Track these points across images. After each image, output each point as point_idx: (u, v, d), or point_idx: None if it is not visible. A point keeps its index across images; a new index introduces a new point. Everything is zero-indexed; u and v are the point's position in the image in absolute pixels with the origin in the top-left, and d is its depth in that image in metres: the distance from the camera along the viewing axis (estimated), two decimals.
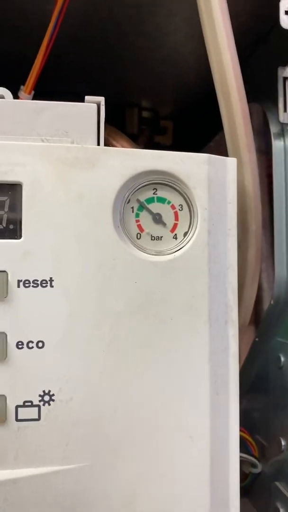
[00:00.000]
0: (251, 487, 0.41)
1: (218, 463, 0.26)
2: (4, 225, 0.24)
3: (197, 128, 0.56)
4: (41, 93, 0.31)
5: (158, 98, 0.55)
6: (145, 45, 0.41)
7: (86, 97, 0.26)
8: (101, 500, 0.24)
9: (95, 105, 0.26)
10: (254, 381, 0.41)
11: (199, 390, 0.25)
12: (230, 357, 0.26)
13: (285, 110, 0.35)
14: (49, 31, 0.28)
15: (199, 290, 0.26)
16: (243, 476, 0.41)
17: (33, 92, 0.31)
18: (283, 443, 0.36)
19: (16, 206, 0.24)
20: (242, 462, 0.40)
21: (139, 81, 0.49)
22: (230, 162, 0.27)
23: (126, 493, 0.24)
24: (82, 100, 0.26)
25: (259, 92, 0.39)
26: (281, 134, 0.36)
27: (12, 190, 0.24)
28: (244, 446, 0.39)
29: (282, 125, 0.36)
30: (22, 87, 0.31)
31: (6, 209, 0.24)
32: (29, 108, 0.25)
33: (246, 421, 0.41)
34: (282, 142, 0.36)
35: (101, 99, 0.26)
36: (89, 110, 0.25)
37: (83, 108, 0.26)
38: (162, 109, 0.57)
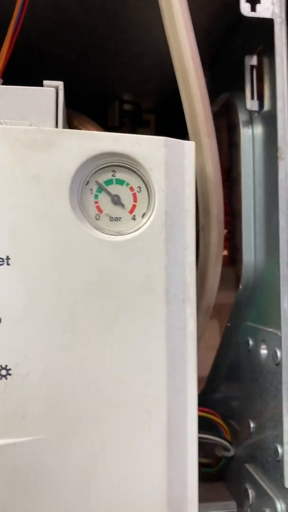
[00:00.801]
0: (225, 470, 0.42)
1: (176, 438, 0.26)
2: None
3: (180, 121, 0.57)
4: None
5: (139, 91, 0.55)
6: (120, 38, 0.41)
7: (45, 82, 0.26)
8: (58, 473, 0.25)
9: (53, 89, 0.26)
10: (230, 367, 0.42)
11: (156, 366, 0.26)
12: (188, 335, 0.27)
13: (252, 98, 0.36)
14: (13, 22, 0.29)
15: (156, 270, 0.26)
16: (217, 459, 0.41)
17: (1, 80, 0.31)
18: (252, 425, 0.36)
19: None
20: (215, 445, 0.41)
21: (119, 75, 0.50)
22: (188, 145, 0.28)
23: (83, 468, 0.25)
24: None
25: (230, 81, 0.40)
26: (249, 122, 0.37)
27: None
28: (216, 430, 0.40)
29: (250, 112, 0.36)
30: None
31: None
32: None
33: (223, 407, 0.42)
34: (250, 130, 0.37)
35: (60, 83, 0.26)
36: (47, 94, 0.26)
37: (42, 92, 0.26)
38: (144, 102, 0.58)
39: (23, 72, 0.33)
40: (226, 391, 0.44)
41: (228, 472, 0.41)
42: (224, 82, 0.42)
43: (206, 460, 0.43)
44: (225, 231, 0.48)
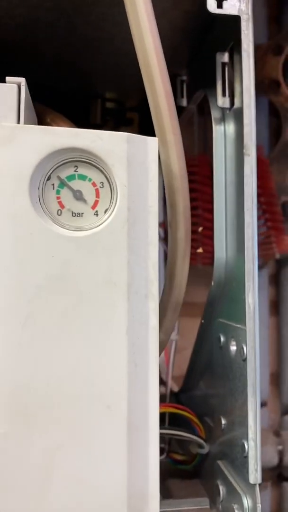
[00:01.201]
0: (200, 467, 0.42)
1: (137, 434, 0.26)
2: None
3: None
4: None
5: (123, 89, 0.55)
6: (95, 36, 0.41)
7: (7, 78, 0.26)
8: (17, 468, 0.25)
9: (15, 86, 0.26)
10: (206, 364, 0.42)
11: (116, 361, 0.26)
12: (150, 330, 0.27)
13: (223, 95, 0.36)
14: None
15: (118, 265, 0.26)
16: (192, 457, 0.42)
17: None
18: (223, 422, 0.36)
19: None
20: (190, 443, 0.41)
21: (100, 73, 0.50)
22: (151, 141, 0.28)
23: (43, 463, 0.25)
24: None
25: (205, 79, 0.40)
26: (221, 119, 0.37)
27: None
28: (191, 427, 0.40)
29: (223, 110, 0.37)
30: None
31: None
32: None
33: (201, 404, 0.42)
34: (222, 127, 0.37)
35: (22, 80, 0.26)
36: (9, 90, 0.26)
37: (4, 88, 0.26)
38: (127, 100, 0.58)
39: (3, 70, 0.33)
40: (203, 388, 0.44)
41: (202, 469, 0.41)
42: (200, 80, 0.42)
43: (182, 457, 0.43)
44: (201, 228, 0.49)
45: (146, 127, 0.60)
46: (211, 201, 0.37)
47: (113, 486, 0.26)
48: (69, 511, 0.25)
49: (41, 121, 0.35)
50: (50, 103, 0.40)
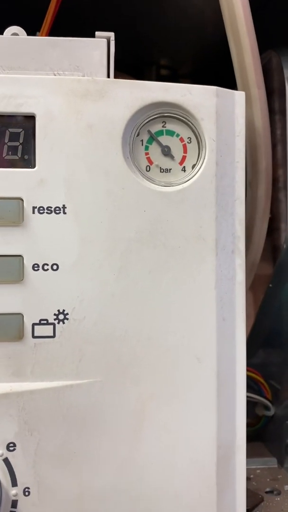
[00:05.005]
0: (265, 430, 0.42)
1: (225, 385, 0.27)
2: (19, 155, 0.25)
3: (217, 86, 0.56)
4: None
5: (176, 55, 0.54)
6: (155, 2, 0.41)
7: (97, 33, 0.26)
8: (111, 415, 0.25)
9: (105, 40, 0.26)
10: (270, 329, 0.42)
11: (205, 315, 0.26)
12: (237, 285, 0.27)
13: None
14: None
15: (206, 220, 0.26)
16: (257, 419, 0.42)
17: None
18: None
19: (30, 137, 0.25)
20: (256, 404, 0.41)
21: (156, 38, 0.49)
22: (239, 96, 0.27)
23: (135, 411, 0.26)
24: None
25: (276, 38, 0.39)
26: None
27: (26, 121, 0.25)
28: (258, 389, 0.40)
29: None
30: (37, 33, 0.32)
31: (21, 140, 0.25)
32: (42, 44, 0.26)
33: (260, 370, 0.42)
34: None
35: (111, 34, 0.26)
36: (99, 45, 0.26)
37: (94, 43, 0.26)
38: (181, 67, 0.57)
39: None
40: (264, 356, 0.44)
41: (267, 431, 0.42)
42: (267, 39, 0.41)
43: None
44: None
45: None
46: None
47: (203, 436, 0.26)
48: (160, 460, 0.26)
49: None
50: None
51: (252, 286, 0.41)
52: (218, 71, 0.52)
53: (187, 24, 0.45)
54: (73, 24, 0.43)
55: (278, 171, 0.36)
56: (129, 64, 0.55)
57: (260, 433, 0.43)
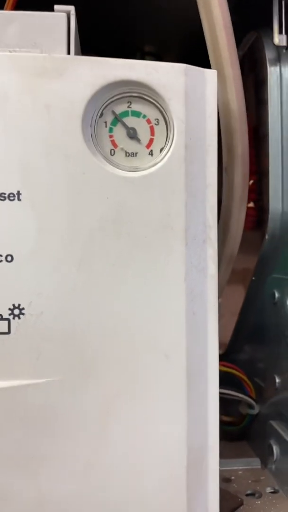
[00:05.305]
0: (248, 429, 0.40)
1: (196, 384, 0.25)
2: None
3: None
4: None
5: (162, 44, 0.53)
6: None
7: (56, 6, 0.25)
8: (73, 416, 0.24)
9: (64, 14, 0.25)
10: (254, 326, 0.40)
11: (174, 309, 0.25)
12: (208, 278, 0.25)
13: (280, 32, 0.33)
14: None
15: (175, 208, 0.25)
16: (241, 418, 0.40)
17: None
18: (277, 380, 0.35)
19: None
20: (239, 403, 0.40)
21: (141, 24, 0.47)
22: (210, 74, 0.26)
23: (100, 411, 0.24)
24: None
25: (256, 19, 0.37)
26: (277, 60, 0.34)
27: None
28: (241, 387, 0.39)
29: (278, 48, 0.34)
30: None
31: None
32: None
33: (246, 368, 0.40)
34: (277, 68, 0.34)
35: (71, 8, 0.25)
36: (58, 19, 0.24)
37: (52, 17, 0.25)
38: (166, 54, 0.55)
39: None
40: (250, 351, 0.42)
41: (251, 430, 0.40)
42: (251, 21, 0.39)
43: (229, 418, 0.41)
44: (251, 182, 0.46)
45: None
46: (253, 162, 0.35)
47: (172, 438, 0.25)
48: (126, 463, 0.24)
49: None
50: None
51: (243, 281, 0.39)
52: (205, 58, 0.51)
53: (172, 9, 0.44)
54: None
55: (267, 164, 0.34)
56: (113, 50, 0.53)
57: (244, 432, 0.41)
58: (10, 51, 0.24)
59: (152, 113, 0.25)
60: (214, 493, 0.26)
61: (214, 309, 0.26)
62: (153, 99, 0.25)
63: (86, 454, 0.24)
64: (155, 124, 0.25)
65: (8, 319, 0.23)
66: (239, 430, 0.41)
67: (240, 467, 0.37)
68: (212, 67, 0.28)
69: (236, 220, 0.29)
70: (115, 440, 0.24)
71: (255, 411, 0.38)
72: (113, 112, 0.25)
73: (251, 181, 0.46)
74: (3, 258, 0.23)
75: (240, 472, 0.36)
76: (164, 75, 0.24)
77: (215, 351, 0.26)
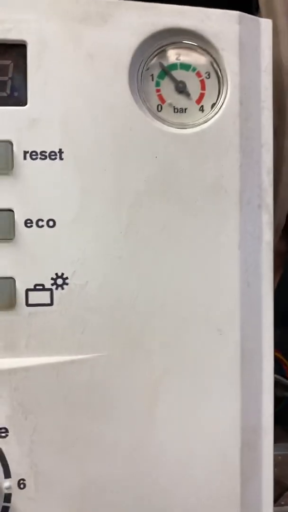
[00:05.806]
0: (284, 413, 0.39)
1: (250, 360, 0.23)
2: (9, 92, 0.21)
3: None
4: None
5: None
6: None
7: None
8: (119, 395, 0.22)
9: None
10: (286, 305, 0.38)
11: (227, 280, 0.23)
12: (264, 245, 0.23)
13: None
14: None
15: (229, 169, 0.23)
16: (276, 401, 0.39)
17: None
18: None
19: (20, 70, 0.21)
20: (276, 384, 0.38)
21: None
22: (265, 23, 0.23)
23: (148, 388, 0.22)
24: None
25: None
26: None
27: (16, 51, 0.21)
28: (278, 368, 0.37)
29: None
30: None
31: (10, 74, 0.21)
32: None
33: (283, 347, 0.38)
34: None
35: None
36: None
37: None
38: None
39: None
40: (281, 335, 0.40)
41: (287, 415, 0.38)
42: None
43: None
44: None
45: None
46: None
47: (225, 418, 0.23)
48: (176, 446, 0.23)
49: None
50: None
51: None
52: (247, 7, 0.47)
53: None
54: None
55: None
56: None
57: (280, 416, 0.39)
58: None
59: (203, 66, 0.23)
60: (268, 477, 0.24)
61: (269, 280, 0.24)
62: (204, 50, 0.23)
63: (133, 437, 0.22)
64: (206, 78, 0.23)
65: (51, 290, 0.21)
66: (275, 414, 0.39)
67: (280, 453, 0.35)
68: (263, 16, 0.25)
69: (286, 185, 0.27)
70: (164, 419, 0.22)
71: None
72: (161, 64, 0.22)
73: None
74: (44, 223, 0.21)
75: (279, 458, 0.35)
76: (216, 23, 0.22)
77: (270, 326, 0.24)
